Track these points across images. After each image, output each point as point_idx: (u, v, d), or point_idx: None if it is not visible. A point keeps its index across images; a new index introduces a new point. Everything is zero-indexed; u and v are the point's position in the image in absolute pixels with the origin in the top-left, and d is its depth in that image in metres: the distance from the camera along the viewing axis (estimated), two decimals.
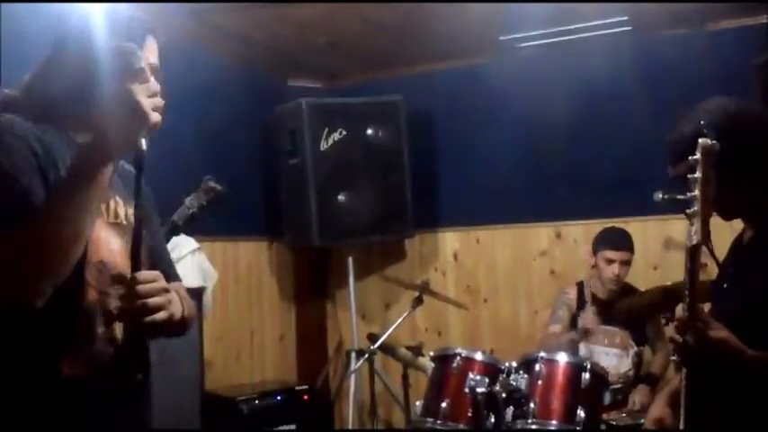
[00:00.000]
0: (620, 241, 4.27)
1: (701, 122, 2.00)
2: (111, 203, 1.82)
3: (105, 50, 1.69)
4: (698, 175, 1.91)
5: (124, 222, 1.83)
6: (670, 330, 4.17)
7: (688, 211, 1.95)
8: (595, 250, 4.32)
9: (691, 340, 1.96)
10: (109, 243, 1.76)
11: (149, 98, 1.62)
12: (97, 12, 1.79)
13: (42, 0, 3.48)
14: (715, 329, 1.97)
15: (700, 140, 1.90)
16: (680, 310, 2.03)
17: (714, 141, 1.90)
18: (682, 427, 2.06)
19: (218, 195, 3.31)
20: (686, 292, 1.98)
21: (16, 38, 3.35)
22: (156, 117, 1.62)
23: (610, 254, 4.24)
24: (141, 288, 1.65)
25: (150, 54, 1.80)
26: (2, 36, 3.30)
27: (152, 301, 1.65)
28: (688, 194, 1.94)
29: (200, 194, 3.30)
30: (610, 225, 4.47)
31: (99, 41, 1.72)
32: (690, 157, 1.91)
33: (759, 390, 2.02)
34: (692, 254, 1.96)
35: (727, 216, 2.20)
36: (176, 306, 1.74)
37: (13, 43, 3.32)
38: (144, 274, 1.67)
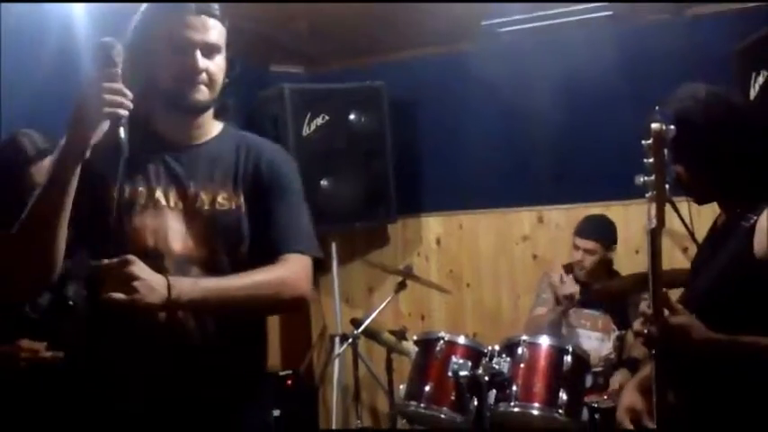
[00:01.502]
0: (586, 230, 4.31)
1: (656, 108, 2.03)
2: (174, 191, 1.99)
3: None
4: (651, 159, 1.94)
5: (206, 207, 1.99)
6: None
7: (646, 195, 1.98)
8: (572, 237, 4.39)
9: (654, 330, 1.99)
10: (165, 230, 1.95)
11: (109, 94, 1.76)
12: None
13: (42, 0, 3.48)
14: (677, 315, 2.00)
15: (652, 125, 1.94)
16: (644, 305, 2.06)
17: (669, 127, 1.94)
18: (655, 413, 2.09)
19: None
20: (649, 275, 2.01)
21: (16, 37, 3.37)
22: (108, 110, 1.76)
23: (575, 240, 4.31)
24: (101, 272, 1.77)
25: (195, 32, 1.97)
26: (2, 36, 3.31)
27: (110, 285, 1.75)
28: (644, 179, 1.97)
29: None
30: (594, 213, 4.51)
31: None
32: (643, 142, 1.95)
33: (727, 374, 2.05)
34: (652, 238, 2.00)
35: (700, 200, 2.23)
36: (147, 290, 1.77)
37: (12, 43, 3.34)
38: (108, 261, 1.78)
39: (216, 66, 2.02)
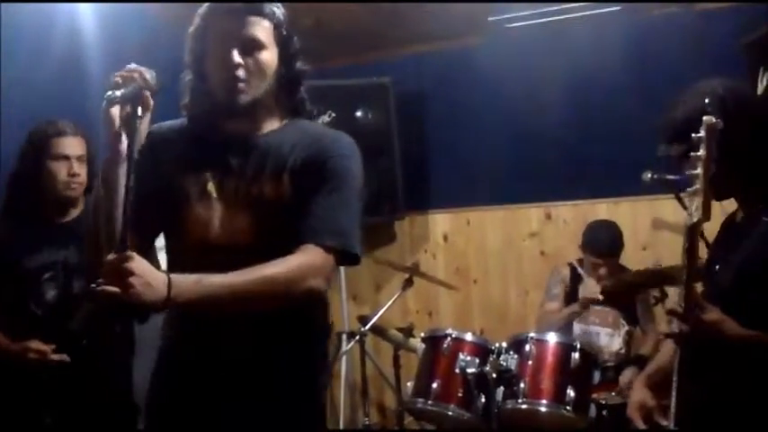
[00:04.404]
0: (604, 249, 4.23)
1: (706, 101, 2.00)
2: (225, 183, 2.04)
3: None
4: (701, 153, 1.91)
5: (254, 198, 2.02)
6: (659, 311, 4.22)
7: (689, 189, 1.94)
8: (582, 248, 4.33)
9: (685, 326, 1.97)
10: (215, 220, 2.01)
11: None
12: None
13: (42, 0, 3.49)
14: (709, 312, 1.98)
15: (704, 118, 1.91)
16: (672, 301, 2.05)
17: (718, 120, 1.91)
18: (673, 407, 2.08)
19: None
20: (684, 271, 1.98)
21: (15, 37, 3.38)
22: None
23: (593, 260, 4.24)
24: (103, 268, 1.78)
25: (243, 28, 2.04)
26: (2, 36, 3.32)
27: (102, 279, 1.76)
28: (689, 173, 1.94)
29: None
30: (597, 218, 4.50)
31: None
32: (693, 135, 1.92)
33: (752, 370, 2.04)
34: (692, 232, 1.97)
35: (721, 196, 2.21)
36: (143, 287, 1.77)
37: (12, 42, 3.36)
38: (108, 257, 1.78)
39: (256, 62, 2.04)
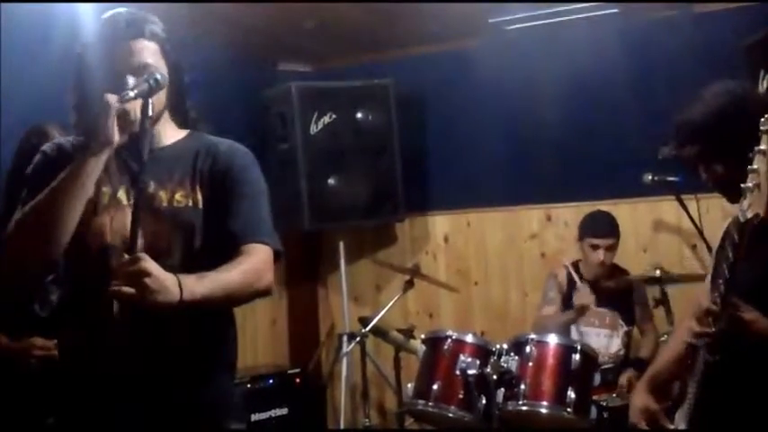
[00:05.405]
0: (603, 228, 4.29)
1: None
2: (135, 191, 2.02)
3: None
4: (764, 146, 1.84)
5: (164, 205, 2.05)
6: (659, 313, 4.21)
7: (744, 185, 1.87)
8: (580, 237, 4.36)
9: (722, 325, 1.95)
10: (124, 227, 1.98)
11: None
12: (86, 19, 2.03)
13: (42, 0, 3.49)
14: (747, 311, 1.96)
15: None
16: (706, 301, 2.01)
17: None
18: (689, 408, 2.07)
19: None
20: (725, 269, 1.95)
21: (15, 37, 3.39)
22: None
23: (594, 241, 4.27)
24: (115, 270, 1.81)
25: (132, 56, 2.03)
26: (1, 36, 3.33)
27: (116, 280, 1.79)
28: (749, 168, 1.85)
29: None
30: (594, 209, 4.49)
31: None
32: (761, 128, 1.84)
33: None
34: (744, 228, 1.90)
35: (736, 198, 2.18)
36: (160, 288, 1.80)
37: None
38: (123, 259, 1.83)
39: None
